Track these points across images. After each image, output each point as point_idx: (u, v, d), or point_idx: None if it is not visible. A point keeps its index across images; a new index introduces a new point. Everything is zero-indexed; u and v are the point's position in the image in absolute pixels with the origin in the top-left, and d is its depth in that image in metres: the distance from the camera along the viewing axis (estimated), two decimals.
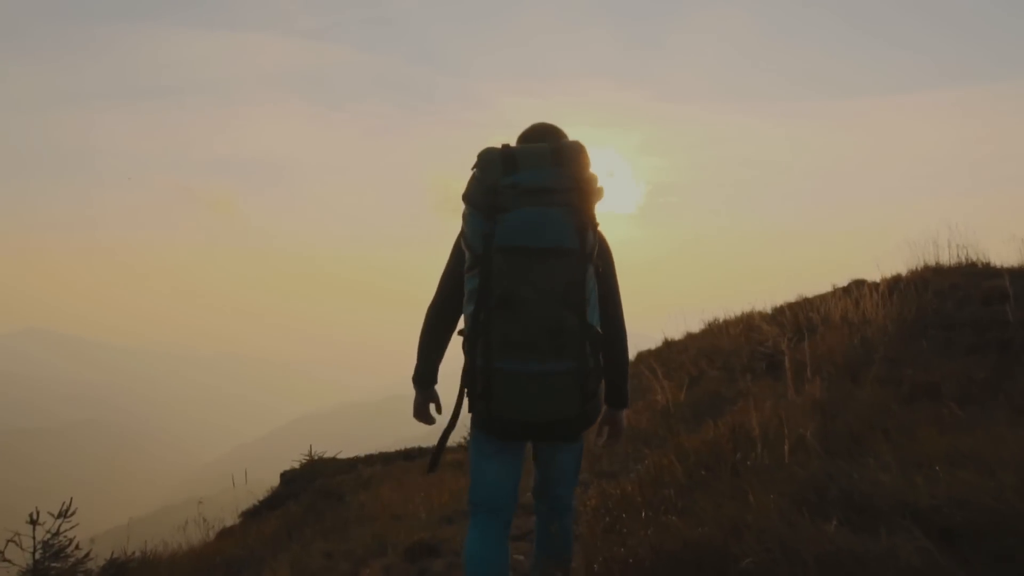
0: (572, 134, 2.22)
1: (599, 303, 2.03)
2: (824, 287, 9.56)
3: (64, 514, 4.14)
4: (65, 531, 4.16)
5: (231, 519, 11.35)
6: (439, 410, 2.31)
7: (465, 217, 2.02)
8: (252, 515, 11.83)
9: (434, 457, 2.22)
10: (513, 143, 2.18)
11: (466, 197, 1.99)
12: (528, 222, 1.89)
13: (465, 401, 2.06)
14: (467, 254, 2.01)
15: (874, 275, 9.36)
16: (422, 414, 2.31)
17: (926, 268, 7.94)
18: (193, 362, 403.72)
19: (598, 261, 2.01)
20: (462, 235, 2.06)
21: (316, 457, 13.20)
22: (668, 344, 9.83)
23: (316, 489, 7.31)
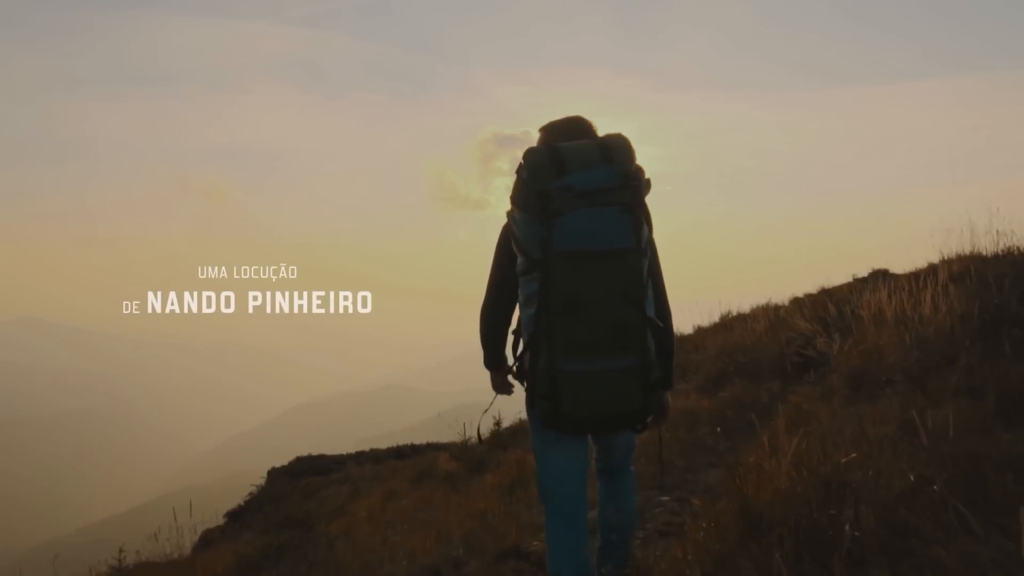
0: None
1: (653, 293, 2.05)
2: (831, 277, 8.92)
3: None
4: None
5: (217, 517, 10.97)
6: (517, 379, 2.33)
7: (514, 220, 2.01)
8: (235, 516, 11.52)
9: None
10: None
11: (515, 200, 1.99)
12: (586, 225, 1.88)
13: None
14: (520, 257, 2.01)
15: (895, 265, 8.68)
16: (502, 387, 2.42)
17: (961, 257, 7.21)
18: (189, 351, 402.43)
19: (649, 253, 2.01)
20: (514, 239, 2.04)
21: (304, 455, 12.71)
22: (679, 340, 9.10)
23: (281, 518, 6.59)
